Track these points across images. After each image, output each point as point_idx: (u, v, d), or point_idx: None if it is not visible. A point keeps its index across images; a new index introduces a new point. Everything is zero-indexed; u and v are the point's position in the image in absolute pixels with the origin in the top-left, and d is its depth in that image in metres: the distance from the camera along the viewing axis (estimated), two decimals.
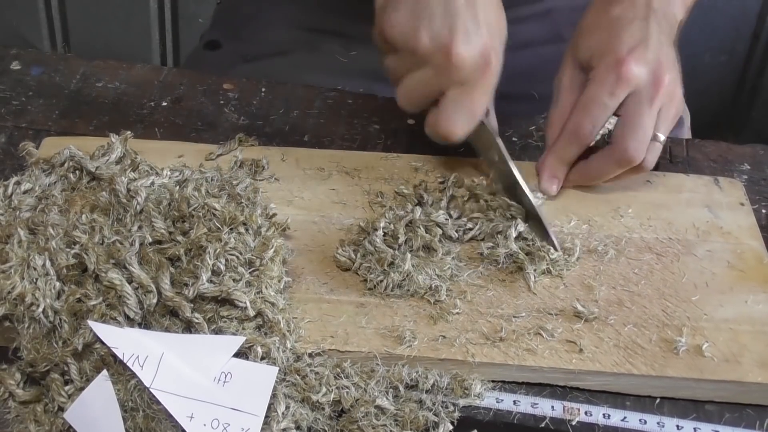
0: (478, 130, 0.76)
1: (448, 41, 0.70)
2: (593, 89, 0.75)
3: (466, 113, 0.73)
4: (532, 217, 0.75)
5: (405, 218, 0.74)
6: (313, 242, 0.74)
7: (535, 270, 0.72)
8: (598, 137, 0.77)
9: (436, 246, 0.72)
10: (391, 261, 0.70)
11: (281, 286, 0.68)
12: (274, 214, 0.74)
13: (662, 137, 0.76)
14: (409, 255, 0.71)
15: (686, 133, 1.03)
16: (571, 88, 0.79)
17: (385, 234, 0.73)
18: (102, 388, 0.60)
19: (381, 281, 0.70)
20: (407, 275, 0.69)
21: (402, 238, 0.72)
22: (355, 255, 0.71)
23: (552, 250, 0.72)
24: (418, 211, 0.74)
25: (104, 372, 0.61)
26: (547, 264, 0.72)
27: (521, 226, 0.74)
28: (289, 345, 0.65)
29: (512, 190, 0.76)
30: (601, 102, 0.75)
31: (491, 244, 0.73)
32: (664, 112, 0.76)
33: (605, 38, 0.76)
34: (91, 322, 0.62)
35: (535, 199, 0.75)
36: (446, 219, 0.74)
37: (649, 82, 0.74)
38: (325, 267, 0.72)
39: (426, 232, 0.73)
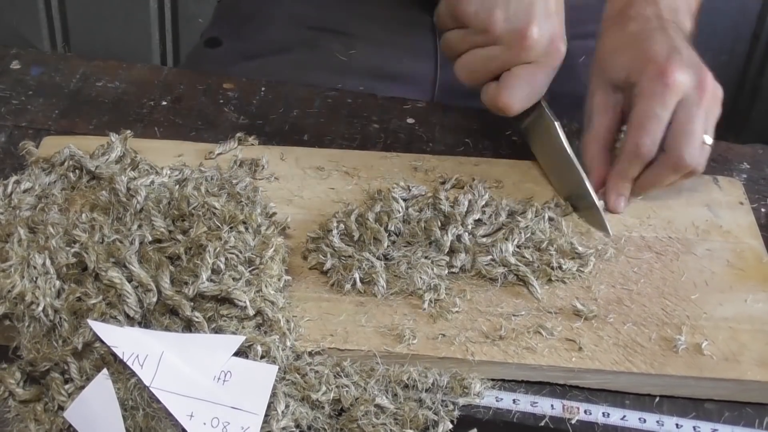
0: (534, 114, 0.79)
1: (524, 25, 0.74)
2: (644, 104, 0.75)
3: (529, 89, 0.77)
4: (585, 206, 0.77)
5: (353, 212, 0.74)
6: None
7: (540, 283, 0.71)
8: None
9: (381, 236, 0.72)
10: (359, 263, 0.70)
11: (281, 285, 0.68)
12: (274, 213, 0.74)
13: (710, 140, 0.76)
14: (378, 262, 0.71)
15: None
16: (605, 109, 0.79)
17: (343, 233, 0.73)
18: (102, 387, 0.60)
19: (353, 282, 0.70)
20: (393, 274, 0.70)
21: (356, 235, 0.72)
22: (325, 257, 0.71)
23: (564, 260, 0.72)
24: (378, 206, 0.75)
25: (104, 371, 0.61)
26: (557, 278, 0.72)
27: (520, 238, 0.74)
28: (289, 344, 0.65)
29: (566, 175, 0.79)
30: (655, 115, 0.75)
31: (488, 260, 0.72)
32: (710, 114, 0.76)
33: (636, 53, 0.77)
34: (90, 321, 0.62)
35: (593, 190, 0.77)
36: (400, 210, 0.74)
37: (694, 87, 0.75)
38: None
39: (375, 223, 0.73)
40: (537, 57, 0.76)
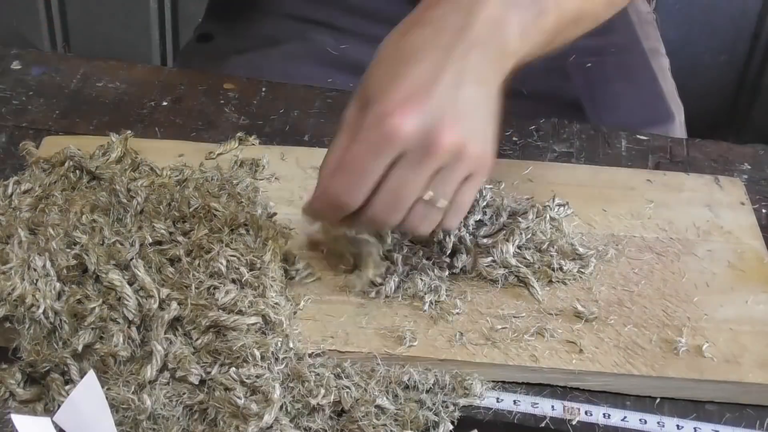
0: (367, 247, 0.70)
1: (454, 134, 0.61)
2: (355, 147, 0.62)
3: (467, 204, 0.66)
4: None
5: None
6: (313, 242, 0.74)
7: (540, 284, 0.71)
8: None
9: (386, 235, 0.71)
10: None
11: (283, 287, 0.68)
12: (275, 213, 0.74)
13: (443, 202, 0.63)
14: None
15: (678, 130, 1.03)
16: (348, 125, 0.64)
17: None
18: (90, 389, 0.60)
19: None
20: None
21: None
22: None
23: (565, 261, 0.71)
24: None
25: (91, 372, 0.61)
26: (558, 279, 0.72)
27: (521, 239, 0.73)
28: (291, 345, 0.65)
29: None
30: (363, 166, 0.61)
31: (489, 261, 0.72)
32: (449, 173, 0.62)
33: (388, 75, 0.62)
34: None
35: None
36: None
37: (420, 144, 0.60)
38: (325, 267, 0.72)
39: None
40: (477, 166, 0.63)
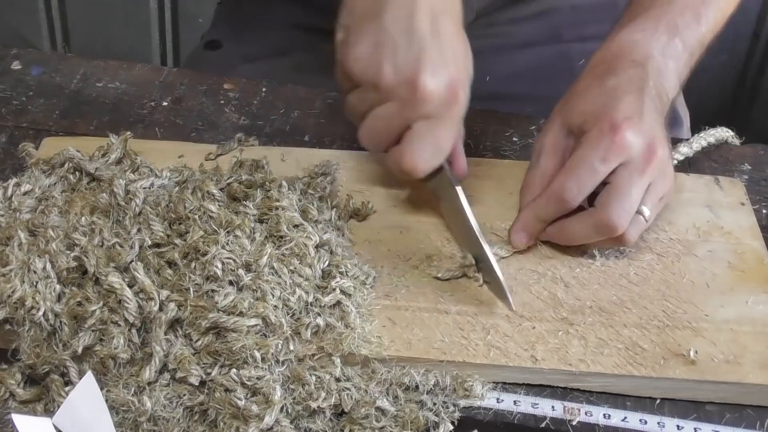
0: (439, 175, 0.73)
1: (413, 74, 0.67)
2: (584, 152, 0.71)
3: (432, 148, 0.70)
4: (486, 271, 0.72)
5: None
6: None
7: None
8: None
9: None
10: None
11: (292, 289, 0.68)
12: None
13: (647, 212, 0.72)
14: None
15: (686, 134, 1.03)
16: (554, 151, 0.75)
17: None
18: (88, 390, 0.60)
19: None
20: None
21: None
22: None
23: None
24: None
25: (89, 373, 0.61)
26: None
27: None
28: (291, 347, 0.65)
29: (469, 241, 0.73)
30: (592, 166, 0.70)
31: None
32: (654, 188, 0.72)
33: (600, 104, 0.72)
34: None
35: (493, 253, 0.71)
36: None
37: (642, 154, 0.70)
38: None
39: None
40: (434, 110, 0.68)
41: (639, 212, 0.72)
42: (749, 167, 0.87)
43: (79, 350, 0.62)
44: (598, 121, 0.71)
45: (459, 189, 0.72)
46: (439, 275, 0.72)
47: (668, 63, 0.77)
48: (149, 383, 0.62)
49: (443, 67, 0.68)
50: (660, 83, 0.75)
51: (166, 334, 0.64)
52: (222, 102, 0.91)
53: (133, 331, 0.63)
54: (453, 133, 0.70)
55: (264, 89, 0.93)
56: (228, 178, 0.75)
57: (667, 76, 0.76)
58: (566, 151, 0.74)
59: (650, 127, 0.72)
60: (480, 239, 0.71)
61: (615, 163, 0.70)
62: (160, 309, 0.64)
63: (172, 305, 0.64)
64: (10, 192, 0.73)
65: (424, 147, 0.69)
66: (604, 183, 0.71)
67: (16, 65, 0.94)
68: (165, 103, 0.90)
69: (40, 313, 0.63)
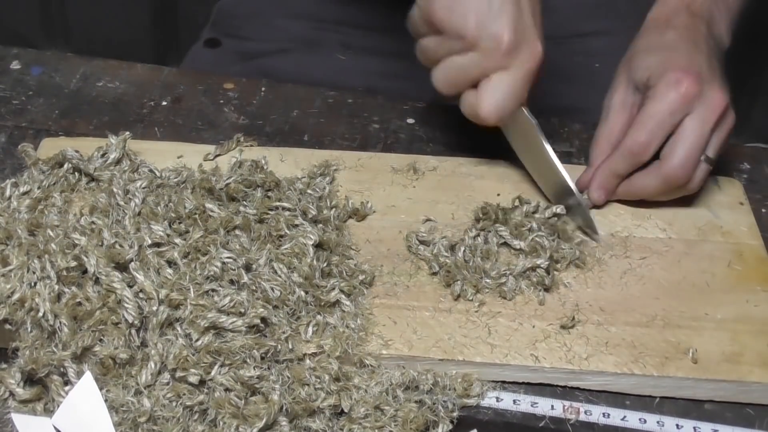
0: (518, 118, 0.77)
1: (498, 28, 0.72)
2: (653, 105, 0.75)
3: (510, 98, 0.74)
4: (571, 205, 0.77)
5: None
6: None
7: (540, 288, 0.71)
8: None
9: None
10: None
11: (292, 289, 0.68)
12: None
13: (713, 159, 0.76)
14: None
15: None
16: (622, 107, 0.79)
17: None
18: (87, 390, 0.60)
19: None
20: None
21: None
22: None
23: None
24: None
25: (87, 373, 0.61)
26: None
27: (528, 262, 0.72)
28: (290, 346, 0.65)
29: (550, 180, 0.78)
30: (661, 118, 0.74)
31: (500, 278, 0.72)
32: (717, 134, 0.76)
33: (664, 59, 0.76)
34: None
35: (576, 187, 0.76)
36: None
37: (707, 103, 0.74)
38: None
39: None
40: (514, 61, 0.73)
41: (705, 160, 0.75)
42: (748, 167, 0.87)
43: (79, 351, 0.62)
44: (662, 75, 0.75)
45: (536, 124, 0.76)
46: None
47: (721, 13, 0.82)
48: (147, 386, 0.62)
49: (523, 22, 0.73)
50: (715, 32, 0.80)
51: (166, 334, 0.64)
52: (221, 102, 0.91)
53: (133, 331, 0.63)
54: (529, 83, 0.74)
55: (263, 89, 0.93)
56: (227, 178, 0.75)
57: (722, 26, 0.82)
58: (633, 107, 0.78)
59: (710, 76, 0.75)
60: (560, 170, 0.76)
61: (681, 114, 0.74)
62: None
63: (162, 307, 0.64)
64: (8, 192, 0.73)
65: (503, 97, 0.73)
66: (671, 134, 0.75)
67: (15, 65, 0.94)
68: (164, 103, 0.90)
69: (40, 314, 0.63)
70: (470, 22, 0.72)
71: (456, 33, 0.73)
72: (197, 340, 0.63)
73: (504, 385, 0.67)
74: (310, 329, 0.66)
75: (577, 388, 0.67)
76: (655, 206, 0.79)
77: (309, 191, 0.76)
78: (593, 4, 1.03)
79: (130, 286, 0.64)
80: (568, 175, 0.77)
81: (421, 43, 0.77)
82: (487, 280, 0.71)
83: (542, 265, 0.71)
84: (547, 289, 0.71)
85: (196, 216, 0.70)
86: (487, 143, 0.87)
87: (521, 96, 0.75)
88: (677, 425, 0.65)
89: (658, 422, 0.65)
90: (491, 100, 0.74)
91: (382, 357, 0.66)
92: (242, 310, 0.64)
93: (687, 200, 0.80)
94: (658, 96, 0.75)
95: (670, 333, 0.68)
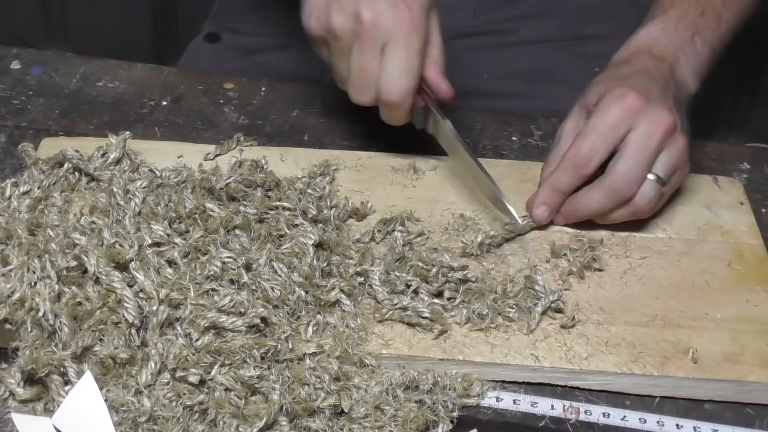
0: (431, 118, 0.77)
1: (357, 9, 0.71)
2: (595, 117, 0.73)
3: (400, 69, 0.72)
4: (491, 193, 0.76)
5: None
6: None
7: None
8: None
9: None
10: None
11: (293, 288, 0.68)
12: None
13: (661, 177, 0.73)
14: None
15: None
16: (573, 133, 0.77)
17: None
18: (88, 389, 0.60)
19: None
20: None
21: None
22: None
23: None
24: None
25: (87, 373, 0.61)
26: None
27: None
28: (290, 346, 0.65)
29: (470, 171, 0.77)
30: (603, 130, 0.72)
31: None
32: (666, 153, 0.73)
33: (614, 83, 0.75)
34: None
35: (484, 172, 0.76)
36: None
37: (652, 119, 0.72)
38: None
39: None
40: (388, 34, 0.71)
41: (656, 180, 0.73)
42: (748, 166, 0.87)
43: (78, 352, 0.62)
44: (608, 92, 0.74)
45: (448, 123, 0.76)
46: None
47: (687, 58, 0.79)
48: (147, 386, 0.62)
49: None
50: (677, 75, 0.78)
51: (166, 333, 0.64)
52: (222, 101, 0.91)
53: (133, 330, 0.63)
54: (416, 49, 0.72)
55: (263, 89, 0.93)
56: (227, 178, 0.75)
57: (685, 70, 0.79)
58: None
59: (662, 102, 0.73)
60: (473, 162, 0.75)
61: (624, 128, 0.72)
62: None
63: (162, 307, 0.64)
64: (8, 192, 0.73)
65: (393, 70, 0.72)
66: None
67: (16, 65, 0.94)
68: (164, 103, 0.90)
69: (40, 313, 0.63)
70: (334, 14, 0.72)
71: (329, 31, 0.73)
72: (197, 339, 0.63)
73: (504, 384, 0.67)
74: (310, 329, 0.66)
75: (577, 388, 0.67)
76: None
77: (309, 191, 0.76)
78: (594, 8, 1.03)
79: (130, 286, 0.64)
80: (481, 166, 0.76)
81: (331, 70, 0.77)
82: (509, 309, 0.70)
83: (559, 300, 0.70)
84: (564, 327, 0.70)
85: (197, 216, 0.70)
86: (486, 144, 0.87)
87: (413, 63, 0.72)
88: (677, 425, 0.65)
89: (658, 422, 0.65)
90: (385, 79, 0.72)
91: (382, 357, 0.66)
92: (242, 310, 0.64)
93: (687, 200, 0.80)
94: (601, 109, 0.73)
95: (670, 333, 0.69)
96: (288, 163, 0.82)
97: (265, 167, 0.79)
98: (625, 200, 0.73)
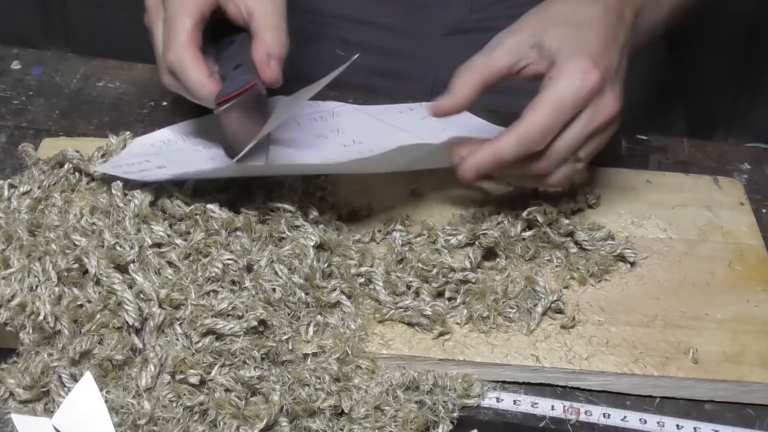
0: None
1: None
2: (553, 91, 0.69)
3: (162, 37, 0.76)
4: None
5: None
6: None
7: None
8: None
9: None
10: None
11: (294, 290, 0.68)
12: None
13: (581, 158, 0.71)
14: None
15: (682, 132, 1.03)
16: (512, 53, 0.72)
17: None
18: (87, 390, 0.60)
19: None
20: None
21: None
22: None
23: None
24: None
25: (87, 374, 0.61)
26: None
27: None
28: (290, 346, 0.65)
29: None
30: (559, 110, 0.69)
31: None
32: (597, 138, 0.71)
33: (579, 39, 0.71)
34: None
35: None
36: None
37: (600, 106, 0.70)
38: None
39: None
40: (157, 11, 0.79)
41: (573, 159, 0.71)
42: (749, 167, 0.87)
43: (77, 357, 0.62)
44: (570, 58, 0.70)
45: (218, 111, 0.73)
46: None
47: (652, 9, 0.77)
48: (147, 389, 0.62)
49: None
50: (638, 22, 0.75)
51: (166, 334, 0.64)
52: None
53: (133, 332, 0.63)
54: (182, 22, 0.74)
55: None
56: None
57: (647, 19, 0.76)
58: (522, 61, 0.72)
59: (615, 76, 0.71)
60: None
61: (580, 108, 0.70)
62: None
63: (161, 310, 0.64)
64: (6, 193, 0.73)
65: (159, 40, 0.77)
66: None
67: (16, 65, 0.94)
68: (165, 103, 0.90)
69: (41, 317, 0.62)
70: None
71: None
72: (197, 342, 0.63)
73: (504, 385, 0.67)
74: (311, 329, 0.66)
75: (578, 389, 0.67)
76: (655, 207, 0.79)
77: (310, 191, 0.76)
78: None
79: (131, 287, 0.64)
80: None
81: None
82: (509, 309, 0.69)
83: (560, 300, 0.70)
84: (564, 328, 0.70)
85: (197, 216, 0.70)
86: None
87: (176, 31, 0.74)
88: (677, 425, 0.65)
89: (658, 422, 0.65)
90: (158, 49, 0.77)
91: (382, 357, 0.66)
92: (240, 314, 0.64)
93: (687, 200, 0.80)
94: (562, 83, 0.69)
95: (671, 333, 0.69)
96: None
97: None
98: (541, 175, 0.72)
